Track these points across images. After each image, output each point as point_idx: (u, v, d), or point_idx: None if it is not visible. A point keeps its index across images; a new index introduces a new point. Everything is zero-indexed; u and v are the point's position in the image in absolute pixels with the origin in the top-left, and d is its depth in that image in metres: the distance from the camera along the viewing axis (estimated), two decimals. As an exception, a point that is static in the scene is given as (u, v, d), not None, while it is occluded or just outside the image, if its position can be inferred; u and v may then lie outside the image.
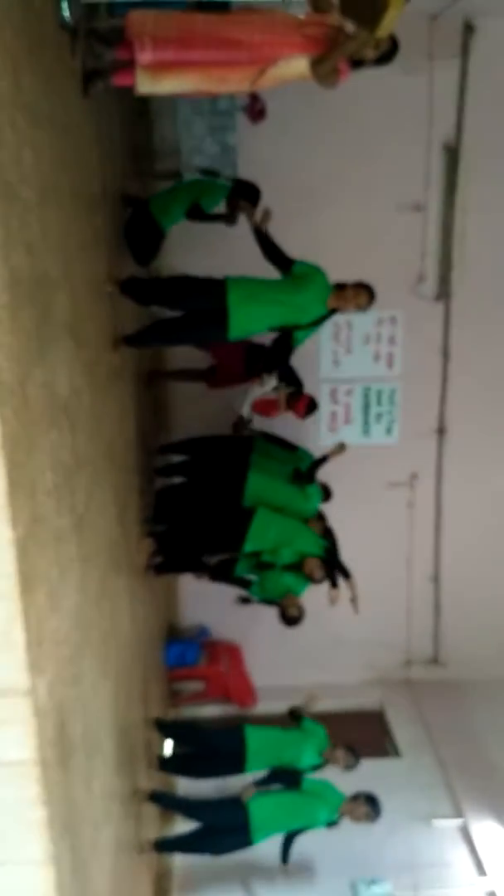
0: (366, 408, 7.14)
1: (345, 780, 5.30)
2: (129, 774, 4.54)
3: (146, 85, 3.47)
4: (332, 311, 4.68)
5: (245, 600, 6.09)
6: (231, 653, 7.42)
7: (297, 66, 3.47)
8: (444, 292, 6.83)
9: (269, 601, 5.62)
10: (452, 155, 6.45)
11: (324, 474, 5.90)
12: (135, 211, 4.88)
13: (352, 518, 6.27)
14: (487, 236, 6.65)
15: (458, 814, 6.33)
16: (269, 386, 5.53)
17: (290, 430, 6.30)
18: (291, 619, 5.35)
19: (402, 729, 7.33)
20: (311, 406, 6.04)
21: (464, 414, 7.14)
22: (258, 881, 5.73)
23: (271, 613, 5.53)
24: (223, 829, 5.25)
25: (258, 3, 3.66)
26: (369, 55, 3.56)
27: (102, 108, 4.11)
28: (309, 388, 6.21)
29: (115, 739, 4.05)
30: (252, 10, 3.55)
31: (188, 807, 5.61)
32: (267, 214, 4.50)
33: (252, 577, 5.62)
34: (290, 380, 5.89)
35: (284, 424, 6.28)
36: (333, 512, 6.00)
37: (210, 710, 7.25)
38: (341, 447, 5.70)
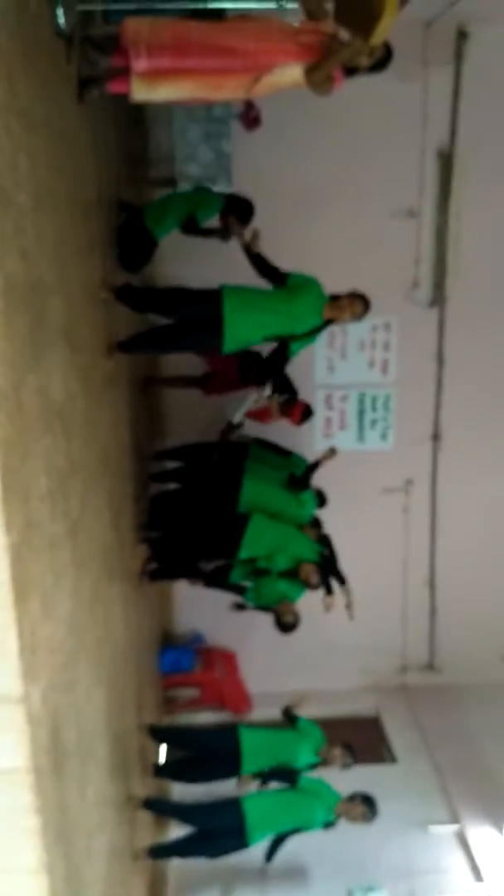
0: (360, 414, 7.15)
1: (340, 784, 5.29)
2: (123, 781, 4.52)
3: (141, 92, 3.48)
4: (328, 323, 4.69)
5: (240, 607, 6.07)
6: (226, 659, 7.40)
7: (292, 73, 3.47)
8: (438, 298, 6.85)
9: (264, 608, 5.61)
10: (446, 161, 6.48)
11: (319, 480, 5.90)
12: (128, 218, 4.88)
13: (347, 524, 6.26)
14: (481, 242, 6.68)
15: (455, 820, 6.32)
16: (263, 396, 5.54)
17: (284, 436, 6.30)
18: (287, 625, 5.35)
19: (397, 735, 7.32)
20: (306, 413, 6.05)
21: (458, 420, 7.15)
22: (253, 887, 5.71)
23: (266, 620, 5.53)
24: (219, 831, 5.22)
25: (253, 10, 3.66)
26: (364, 62, 3.57)
27: (98, 114, 4.12)
28: (304, 395, 6.22)
29: (108, 746, 4.03)
30: (247, 18, 3.56)
31: (183, 811, 5.58)
32: (255, 235, 4.52)
33: (247, 583, 5.61)
34: (285, 388, 5.90)
35: (279, 430, 6.28)
36: (329, 518, 5.99)
37: (205, 717, 7.23)
38: (332, 452, 5.71)
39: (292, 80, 3.50)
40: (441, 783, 6.67)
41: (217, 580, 5.73)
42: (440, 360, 7.02)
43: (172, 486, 6.04)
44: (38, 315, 2.82)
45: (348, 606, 5.59)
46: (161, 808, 5.62)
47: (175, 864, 5.80)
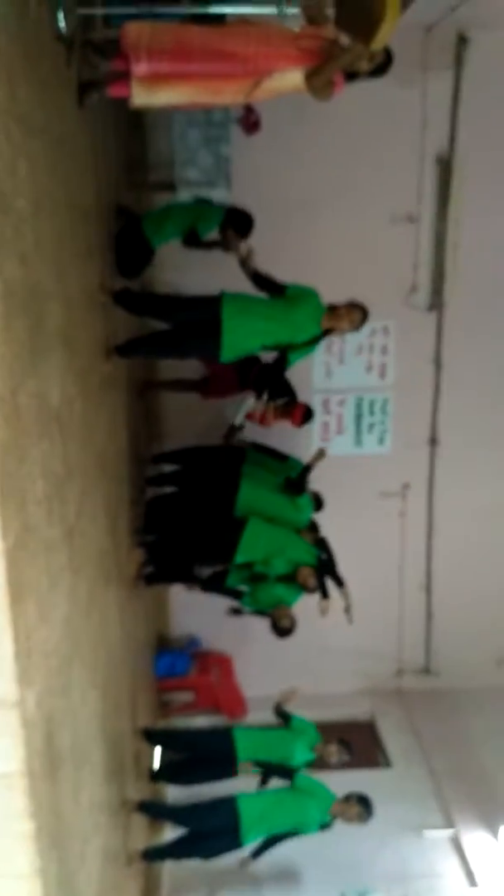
0: (358, 418, 7.15)
1: (335, 789, 5.28)
2: (118, 785, 4.51)
3: (141, 96, 3.48)
4: (326, 333, 4.70)
5: (236, 611, 6.07)
6: (221, 663, 7.40)
7: (292, 78, 3.48)
8: (436, 303, 6.85)
9: (260, 612, 5.60)
10: (445, 166, 6.49)
11: (316, 484, 5.90)
12: (127, 225, 4.89)
13: (344, 528, 6.26)
14: (480, 247, 6.68)
15: (450, 824, 6.32)
16: (262, 402, 5.54)
17: (282, 440, 6.30)
18: (283, 629, 5.35)
19: (393, 739, 7.33)
20: (307, 415, 6.06)
21: (456, 424, 7.16)
22: (246, 891, 5.71)
23: (262, 623, 5.52)
24: (213, 831, 5.21)
25: (254, 15, 3.67)
26: (364, 68, 3.57)
27: (97, 118, 4.12)
28: (301, 399, 6.20)
29: (103, 750, 4.03)
30: (247, 23, 3.56)
31: (177, 813, 5.57)
32: (249, 254, 4.53)
33: (244, 587, 5.61)
34: (284, 391, 5.90)
35: (277, 434, 6.27)
36: (325, 521, 5.99)
37: (200, 721, 7.22)
38: (321, 453, 5.69)
39: (293, 85, 3.51)
40: (436, 788, 6.67)
41: (213, 585, 5.72)
42: (438, 365, 7.03)
43: (169, 489, 6.04)
44: (36, 319, 2.81)
45: (347, 610, 5.59)
46: (155, 811, 5.62)
47: (169, 869, 5.79)
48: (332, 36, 3.39)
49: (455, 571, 7.46)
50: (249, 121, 5.99)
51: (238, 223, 5.07)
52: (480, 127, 6.37)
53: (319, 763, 5.43)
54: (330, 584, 5.54)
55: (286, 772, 5.25)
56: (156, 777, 5.86)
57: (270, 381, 5.43)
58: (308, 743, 5.41)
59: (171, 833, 5.64)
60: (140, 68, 3.37)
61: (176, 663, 7.08)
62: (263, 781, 5.33)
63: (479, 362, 7.02)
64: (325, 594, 5.47)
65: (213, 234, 5.09)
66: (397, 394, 7.12)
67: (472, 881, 5.86)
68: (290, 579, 5.35)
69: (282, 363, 4.76)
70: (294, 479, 5.69)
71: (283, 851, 5.36)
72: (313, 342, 4.67)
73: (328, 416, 7.10)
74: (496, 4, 5.61)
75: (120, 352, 4.59)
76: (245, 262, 4.55)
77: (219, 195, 5.77)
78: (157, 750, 6.15)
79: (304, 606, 5.48)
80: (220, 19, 3.74)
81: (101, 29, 3.66)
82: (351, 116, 6.01)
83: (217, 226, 5.06)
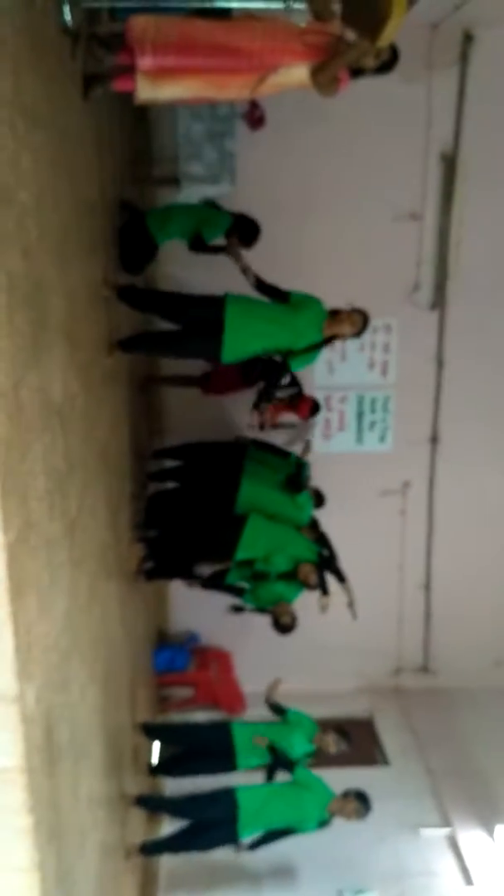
0: (360, 415, 7.14)
1: (333, 785, 5.28)
2: (116, 779, 4.52)
3: (146, 90, 3.47)
4: (329, 340, 4.69)
5: (238, 609, 6.07)
6: (221, 659, 7.40)
7: (298, 73, 3.46)
8: (439, 301, 6.84)
9: (261, 609, 5.61)
10: (450, 164, 6.47)
11: (316, 481, 5.90)
12: (130, 220, 4.87)
13: (344, 525, 6.25)
14: (483, 246, 6.67)
15: (446, 823, 6.32)
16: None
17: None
18: (284, 626, 5.35)
19: (391, 737, 7.33)
20: (314, 408, 6.07)
21: (457, 423, 7.15)
22: (243, 886, 5.71)
23: (262, 620, 5.53)
24: (211, 823, 5.21)
25: (259, 10, 3.65)
26: (369, 64, 3.56)
27: (102, 112, 4.11)
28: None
29: (102, 745, 4.03)
30: (253, 18, 3.54)
31: (175, 806, 5.57)
32: (248, 271, 4.51)
33: (244, 584, 5.60)
34: (290, 384, 5.91)
35: (278, 432, 6.27)
36: (326, 519, 5.99)
37: (199, 717, 7.22)
38: (307, 445, 5.68)
39: (298, 81, 3.49)
40: (433, 786, 6.67)
41: (214, 582, 5.72)
42: (440, 363, 7.02)
43: (170, 485, 6.04)
44: (39, 313, 2.81)
45: (350, 605, 5.59)
46: (154, 804, 5.63)
47: (166, 863, 5.79)
48: (338, 32, 3.38)
49: (455, 570, 7.46)
50: (254, 116, 5.97)
51: (244, 231, 5.05)
52: (485, 124, 6.35)
53: (319, 757, 5.43)
54: (331, 580, 5.54)
55: (288, 764, 5.26)
56: (154, 771, 5.86)
57: (274, 379, 5.42)
58: (306, 734, 5.41)
59: (168, 827, 5.65)
60: (145, 62, 3.36)
61: (175, 658, 7.08)
62: (269, 776, 5.34)
63: (480, 361, 7.01)
64: (325, 591, 5.47)
65: (219, 240, 5.07)
66: (399, 392, 7.11)
67: (468, 880, 5.86)
68: (291, 576, 5.35)
69: (283, 369, 4.76)
70: (292, 475, 5.69)
71: (281, 849, 5.36)
72: (314, 349, 4.66)
73: (330, 412, 7.08)
74: (502, 2, 5.60)
75: (123, 346, 4.59)
76: (246, 272, 4.54)
77: (223, 190, 5.75)
78: (156, 744, 6.16)
79: (303, 604, 5.48)
80: (225, 14, 3.72)
81: (106, 22, 3.65)
82: (356, 113, 5.99)
83: (223, 232, 5.04)
